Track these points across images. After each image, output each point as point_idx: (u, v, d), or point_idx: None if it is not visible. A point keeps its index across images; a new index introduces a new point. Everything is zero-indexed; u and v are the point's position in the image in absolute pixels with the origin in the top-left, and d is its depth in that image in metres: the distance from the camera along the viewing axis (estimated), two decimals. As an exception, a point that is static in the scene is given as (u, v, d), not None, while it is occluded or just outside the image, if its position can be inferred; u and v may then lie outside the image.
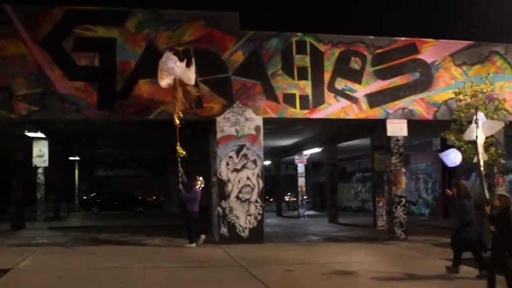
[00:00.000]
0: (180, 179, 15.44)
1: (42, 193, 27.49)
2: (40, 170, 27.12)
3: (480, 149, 11.56)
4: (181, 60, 14.88)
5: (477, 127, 11.54)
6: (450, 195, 11.66)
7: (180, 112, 14.95)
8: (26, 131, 21.89)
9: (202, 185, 15.92)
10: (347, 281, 9.68)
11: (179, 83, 14.76)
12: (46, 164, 26.28)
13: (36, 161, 26.05)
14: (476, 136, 11.49)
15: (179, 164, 15.26)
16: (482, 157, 11.46)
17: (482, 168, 11.39)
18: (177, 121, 14.90)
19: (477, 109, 12.37)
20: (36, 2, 16.18)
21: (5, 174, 28.99)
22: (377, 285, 9.80)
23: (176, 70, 14.58)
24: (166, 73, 14.63)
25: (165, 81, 14.73)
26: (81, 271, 11.25)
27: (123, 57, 15.90)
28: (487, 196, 10.98)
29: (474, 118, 11.71)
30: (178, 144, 15.17)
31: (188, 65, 14.92)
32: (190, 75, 14.92)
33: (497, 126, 12.68)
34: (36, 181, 27.37)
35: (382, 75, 17.34)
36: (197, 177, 15.84)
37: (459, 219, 11.21)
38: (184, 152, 15.18)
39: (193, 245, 15.47)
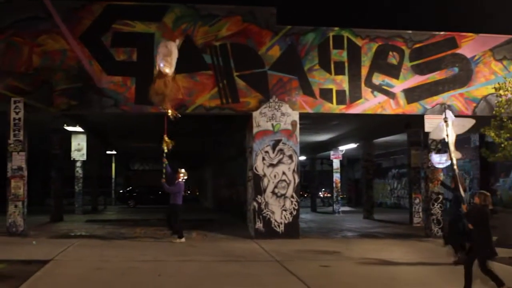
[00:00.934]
0: (164, 170, 15.15)
1: (80, 186, 28.01)
2: (78, 164, 27.64)
3: (452, 147, 11.43)
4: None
5: (446, 125, 11.43)
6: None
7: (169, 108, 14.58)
8: (65, 125, 22.27)
9: (185, 178, 15.77)
10: (383, 278, 9.60)
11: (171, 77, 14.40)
12: (84, 157, 26.76)
13: (75, 155, 26.56)
14: (447, 135, 11.40)
15: (164, 155, 14.92)
16: (454, 156, 11.32)
17: (455, 167, 11.29)
18: (170, 113, 14.51)
19: (445, 108, 12.29)
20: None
21: (44, 168, 29.55)
22: (414, 283, 9.71)
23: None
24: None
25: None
26: (118, 264, 11.38)
27: (161, 52, 16.03)
28: (463, 195, 11.28)
29: (443, 116, 11.59)
30: (166, 136, 14.80)
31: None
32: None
33: (468, 123, 12.33)
34: (74, 174, 27.85)
35: (420, 70, 17.13)
36: (180, 169, 15.67)
37: (454, 211, 11.98)
38: (170, 145, 14.82)
39: (183, 239, 15.25)
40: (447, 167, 15.16)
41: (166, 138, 14.76)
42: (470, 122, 12.20)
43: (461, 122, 12.15)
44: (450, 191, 13.65)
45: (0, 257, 11.78)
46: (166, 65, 13.97)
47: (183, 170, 15.72)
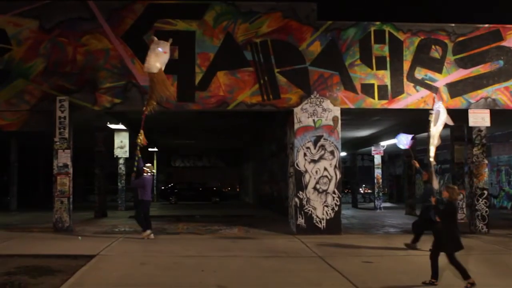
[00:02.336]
0: (136, 163, 14.93)
1: (122, 183, 28.42)
2: (121, 161, 28.06)
3: (435, 140, 11.25)
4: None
5: (431, 117, 11.26)
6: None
7: (154, 103, 14.39)
8: (108, 123, 22.63)
9: (150, 172, 15.59)
10: (427, 274, 9.48)
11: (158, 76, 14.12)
12: (127, 155, 27.14)
13: (118, 152, 26.97)
14: (435, 126, 11.22)
15: (138, 148, 14.72)
16: (433, 148, 11.21)
17: (431, 159, 11.38)
18: (147, 109, 14.28)
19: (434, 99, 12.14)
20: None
21: (88, 165, 30.07)
22: (459, 279, 9.56)
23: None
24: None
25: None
26: (162, 259, 11.53)
27: (202, 49, 16.20)
28: (436, 187, 11.71)
29: (437, 107, 11.41)
30: (142, 131, 14.56)
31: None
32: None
33: (449, 121, 12.08)
34: (117, 171, 28.27)
35: (464, 63, 16.85)
36: (146, 164, 15.48)
37: (422, 201, 13.44)
38: (143, 142, 14.62)
39: (151, 235, 15.06)
40: (497, 162, 14.87)
41: (141, 133, 14.54)
42: (450, 122, 12.00)
43: (443, 115, 11.87)
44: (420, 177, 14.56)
45: (48, 251, 12.12)
46: (159, 65, 13.83)
47: (148, 165, 15.56)
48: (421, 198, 13.79)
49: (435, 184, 11.72)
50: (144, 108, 14.40)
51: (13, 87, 16.06)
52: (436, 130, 11.30)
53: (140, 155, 14.89)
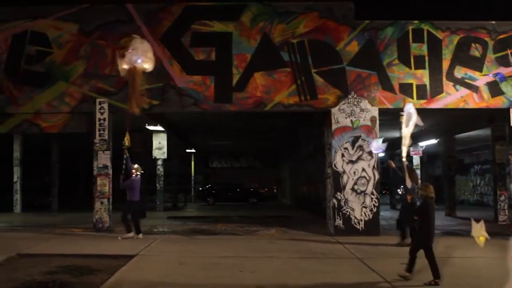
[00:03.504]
0: (124, 164, 14.93)
1: (161, 184, 28.65)
2: (159, 162, 28.27)
3: (407, 141, 11.07)
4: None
5: (401, 118, 11.06)
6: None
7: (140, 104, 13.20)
8: (146, 124, 22.86)
9: (139, 173, 15.50)
10: (469, 277, 9.34)
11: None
12: (165, 156, 27.38)
13: (156, 153, 27.23)
14: (405, 128, 11.01)
15: (125, 149, 14.56)
16: (405, 148, 11.26)
17: (404, 159, 11.43)
18: (137, 110, 12.88)
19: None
20: (156, 1, 16.83)
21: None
22: (462, 279, 9.44)
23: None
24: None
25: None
26: (200, 259, 11.60)
27: (239, 50, 16.25)
28: (409, 186, 11.97)
29: (407, 110, 11.19)
30: (127, 133, 14.18)
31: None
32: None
33: (419, 122, 11.77)
34: (156, 172, 28.53)
35: (505, 61, 16.52)
36: (133, 165, 15.36)
37: (404, 200, 14.09)
38: (128, 143, 14.30)
39: (131, 234, 15.02)
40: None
41: (127, 134, 14.24)
42: (420, 123, 11.76)
43: (413, 116, 11.63)
44: (397, 178, 14.63)
45: (89, 251, 12.31)
46: (146, 61, 12.84)
47: (136, 166, 15.48)
48: (403, 195, 14.43)
49: (408, 183, 11.91)
50: (129, 106, 13.02)
51: (54, 90, 16.38)
52: (407, 131, 11.22)
53: (127, 155, 14.89)
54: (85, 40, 16.45)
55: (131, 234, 15.12)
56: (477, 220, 9.43)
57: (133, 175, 15.35)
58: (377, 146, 14.92)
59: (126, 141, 14.35)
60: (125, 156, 14.93)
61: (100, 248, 12.98)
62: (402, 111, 11.38)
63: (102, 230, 16.12)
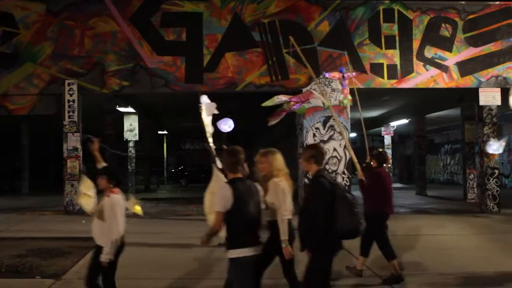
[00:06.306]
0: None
1: (133, 166, 28.50)
2: (131, 144, 28.09)
3: (209, 128, 11.31)
4: None
5: (201, 109, 11.32)
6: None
7: None
8: (117, 106, 22.65)
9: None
10: (439, 254, 9.48)
11: None
12: (137, 138, 27.24)
13: (127, 135, 27.05)
14: (206, 117, 11.27)
15: None
16: (209, 134, 11.33)
17: (211, 144, 11.26)
18: None
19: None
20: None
21: (98, 148, 30.23)
22: (470, 258, 9.56)
23: None
24: None
25: None
26: (173, 240, 11.63)
27: (210, 31, 16.12)
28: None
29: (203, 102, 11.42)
30: None
31: None
32: None
33: (213, 108, 12.01)
34: (127, 154, 28.36)
35: (474, 41, 16.67)
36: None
37: None
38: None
39: None
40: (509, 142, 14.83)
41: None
42: (213, 106, 11.93)
43: (210, 106, 11.84)
44: None
45: (59, 234, 12.19)
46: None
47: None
48: None
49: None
50: None
51: (21, 71, 16.07)
52: (208, 120, 11.47)
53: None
54: (53, 20, 16.12)
55: None
56: None
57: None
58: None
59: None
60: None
61: (71, 230, 12.84)
62: (200, 103, 11.45)
63: (72, 213, 15.95)
